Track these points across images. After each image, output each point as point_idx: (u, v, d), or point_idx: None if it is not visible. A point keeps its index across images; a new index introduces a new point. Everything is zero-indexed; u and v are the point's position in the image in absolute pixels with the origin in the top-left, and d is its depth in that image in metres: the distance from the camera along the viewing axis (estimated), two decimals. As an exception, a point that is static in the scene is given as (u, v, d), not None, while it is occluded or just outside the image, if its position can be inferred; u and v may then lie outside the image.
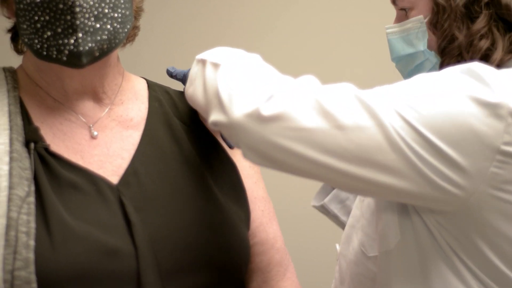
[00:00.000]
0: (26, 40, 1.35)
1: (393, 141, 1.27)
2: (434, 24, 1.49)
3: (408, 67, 1.57)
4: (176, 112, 1.48)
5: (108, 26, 1.35)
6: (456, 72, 1.34)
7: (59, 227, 1.30)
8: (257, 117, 1.29)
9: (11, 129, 1.35)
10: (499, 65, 1.43)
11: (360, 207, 1.60)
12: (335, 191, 1.78)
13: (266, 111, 1.29)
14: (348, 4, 3.04)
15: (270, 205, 1.52)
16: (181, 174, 1.41)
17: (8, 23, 1.45)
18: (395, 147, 1.27)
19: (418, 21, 1.52)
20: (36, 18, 1.33)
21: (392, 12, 1.58)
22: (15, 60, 1.50)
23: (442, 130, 1.28)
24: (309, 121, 1.28)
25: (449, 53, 1.48)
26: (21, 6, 1.34)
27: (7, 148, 1.33)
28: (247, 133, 1.30)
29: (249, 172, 1.49)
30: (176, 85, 1.56)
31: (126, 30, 1.39)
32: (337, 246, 1.68)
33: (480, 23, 1.45)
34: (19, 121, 1.37)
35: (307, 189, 2.72)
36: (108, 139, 1.41)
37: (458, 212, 1.34)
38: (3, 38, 1.49)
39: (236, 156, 1.48)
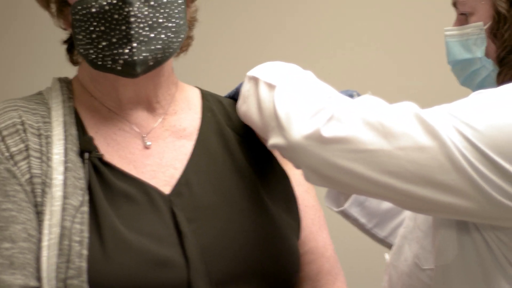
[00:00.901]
0: (81, 50, 1.37)
1: (456, 161, 1.26)
2: (494, 33, 1.48)
3: (464, 72, 1.56)
4: (229, 122, 1.48)
5: (162, 36, 1.36)
6: None
7: (112, 237, 1.31)
8: (317, 138, 1.30)
9: (66, 139, 1.37)
10: None
11: (414, 218, 1.58)
12: (354, 195, 1.78)
13: (327, 133, 1.30)
14: (361, 7, 3.03)
15: (321, 213, 1.51)
16: (233, 184, 1.41)
17: (64, 35, 1.46)
18: (457, 166, 1.27)
19: (478, 27, 1.51)
20: (92, 28, 1.34)
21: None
22: (70, 72, 1.51)
23: (504, 149, 1.27)
24: (370, 143, 1.28)
25: (508, 63, 1.47)
26: (77, 17, 1.35)
27: (62, 158, 1.35)
28: (307, 155, 1.31)
29: (300, 180, 1.48)
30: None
31: (180, 39, 1.39)
32: (387, 256, 1.66)
33: None
34: (73, 131, 1.38)
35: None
36: (161, 149, 1.42)
37: None
38: (59, 49, 1.50)
39: (288, 164, 1.48)
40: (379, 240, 1.80)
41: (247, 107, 1.42)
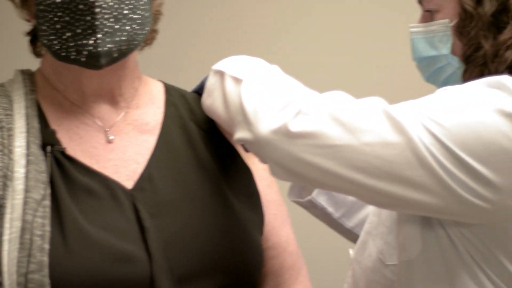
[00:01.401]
0: (45, 41, 1.35)
1: (422, 157, 1.27)
2: (460, 31, 1.48)
3: (429, 68, 1.56)
4: (193, 117, 1.47)
5: (127, 27, 1.35)
6: (483, 85, 1.33)
7: (74, 231, 1.30)
8: (284, 133, 1.30)
9: (28, 132, 1.36)
10: None
11: (379, 214, 1.59)
12: None
13: (294, 127, 1.30)
14: (359, 8, 3.04)
15: (283, 208, 1.51)
16: (196, 179, 1.41)
17: (27, 26, 1.45)
18: (424, 163, 1.27)
19: (444, 24, 1.51)
20: (56, 19, 1.33)
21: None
22: (32, 65, 1.49)
23: (470, 146, 1.28)
24: (337, 138, 1.28)
25: (474, 61, 1.47)
26: (41, 7, 1.34)
27: (24, 151, 1.34)
28: (274, 150, 1.31)
29: (262, 175, 1.48)
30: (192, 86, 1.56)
31: (144, 31, 1.39)
32: (351, 251, 1.67)
33: (508, 34, 1.44)
34: (36, 124, 1.37)
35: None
36: (123, 144, 1.41)
37: (483, 225, 1.35)
38: (21, 41, 1.48)
39: (250, 159, 1.48)
40: (346, 231, 1.80)
41: (212, 101, 1.41)
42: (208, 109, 1.44)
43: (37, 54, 1.47)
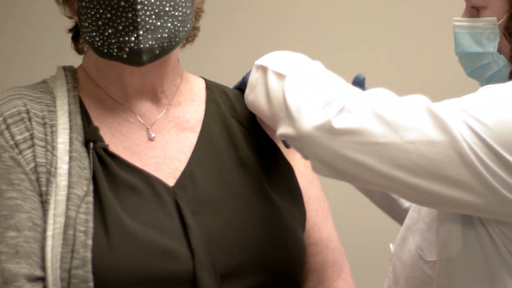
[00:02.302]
0: (87, 38, 1.36)
1: (465, 155, 1.27)
2: (509, 30, 1.48)
3: (473, 64, 1.56)
4: (234, 113, 1.47)
5: (169, 24, 1.35)
6: None
7: (117, 228, 1.31)
8: (328, 129, 1.30)
9: (71, 128, 1.37)
10: None
11: (418, 210, 1.58)
12: None
13: (337, 124, 1.30)
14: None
15: (325, 204, 1.51)
16: (237, 176, 1.41)
17: (70, 23, 1.46)
18: (466, 161, 1.27)
19: (491, 22, 1.50)
20: (98, 15, 1.34)
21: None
22: (75, 62, 1.50)
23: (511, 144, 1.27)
24: (380, 136, 1.29)
25: None
26: (83, 4, 1.35)
27: (67, 147, 1.35)
28: (317, 146, 1.31)
29: (303, 172, 1.48)
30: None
31: (186, 29, 1.39)
32: (391, 246, 1.66)
33: None
34: (79, 120, 1.38)
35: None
36: (165, 141, 1.41)
37: None
38: (64, 38, 1.49)
39: (291, 155, 1.48)
40: (402, 211, 1.78)
41: (254, 96, 1.41)
42: (251, 104, 1.44)
43: (79, 51, 1.48)
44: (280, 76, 1.37)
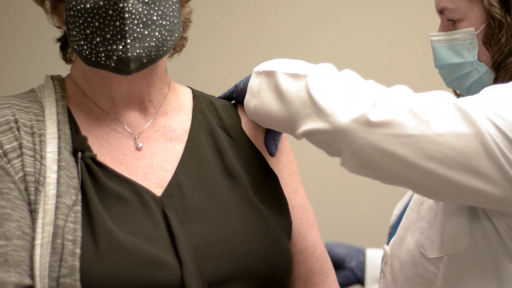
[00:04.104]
0: (75, 46, 1.37)
1: (489, 147, 1.33)
2: (489, 38, 1.53)
3: (453, 74, 1.61)
4: (220, 123, 1.48)
5: (156, 33, 1.36)
6: None
7: (105, 237, 1.32)
8: (364, 122, 1.34)
9: (59, 138, 1.37)
10: None
11: (417, 209, 1.60)
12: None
13: (374, 117, 1.34)
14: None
15: (310, 212, 1.52)
16: (224, 185, 1.42)
17: (58, 33, 1.46)
18: (490, 154, 1.33)
19: (469, 33, 1.55)
20: (86, 24, 1.35)
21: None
22: (63, 71, 1.51)
23: None
24: (413, 128, 1.33)
25: (505, 67, 1.52)
26: (72, 12, 1.35)
27: (56, 157, 1.35)
28: (353, 139, 1.34)
29: (287, 181, 1.49)
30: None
31: (174, 38, 1.40)
32: (386, 248, 1.67)
33: None
34: (67, 130, 1.39)
35: (351, 196, 2.71)
36: (152, 151, 1.42)
37: None
38: (52, 48, 1.50)
39: (276, 165, 1.49)
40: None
41: (259, 101, 1.43)
42: (253, 110, 1.46)
43: (67, 60, 1.48)
44: (297, 76, 1.41)
